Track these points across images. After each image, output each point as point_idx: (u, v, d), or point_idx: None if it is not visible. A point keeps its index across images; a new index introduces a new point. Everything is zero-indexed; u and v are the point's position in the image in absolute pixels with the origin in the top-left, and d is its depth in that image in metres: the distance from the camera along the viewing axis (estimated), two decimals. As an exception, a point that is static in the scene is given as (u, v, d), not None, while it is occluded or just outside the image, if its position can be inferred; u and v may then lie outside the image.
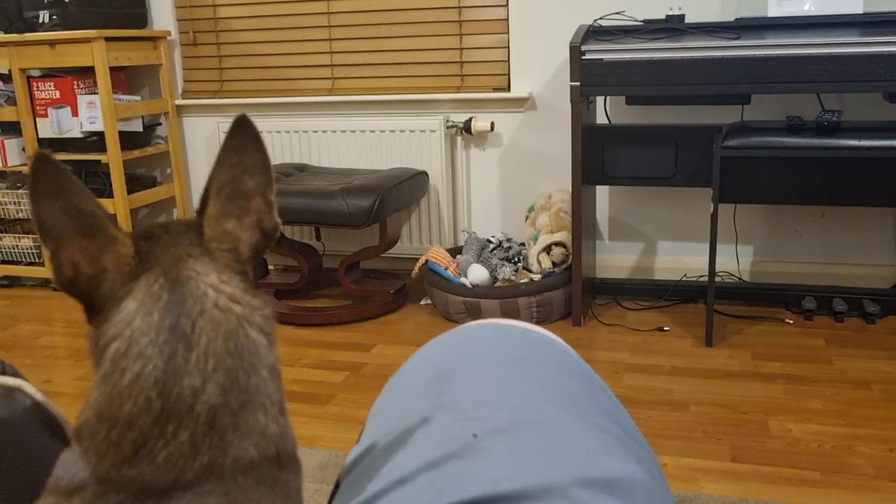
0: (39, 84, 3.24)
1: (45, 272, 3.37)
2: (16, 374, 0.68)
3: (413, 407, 0.62)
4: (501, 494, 0.50)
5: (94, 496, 0.46)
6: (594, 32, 2.64)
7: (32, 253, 3.41)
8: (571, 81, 2.49)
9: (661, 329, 2.65)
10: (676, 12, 2.66)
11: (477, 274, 2.74)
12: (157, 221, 0.57)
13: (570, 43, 2.49)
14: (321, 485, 1.78)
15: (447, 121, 3.08)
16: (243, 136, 0.54)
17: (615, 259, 3.09)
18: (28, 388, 0.67)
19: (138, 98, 3.41)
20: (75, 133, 3.24)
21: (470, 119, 3.08)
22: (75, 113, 3.21)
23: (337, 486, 0.63)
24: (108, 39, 3.09)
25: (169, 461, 0.47)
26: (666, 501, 0.57)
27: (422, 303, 2.99)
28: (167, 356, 0.48)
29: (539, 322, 2.69)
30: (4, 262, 3.47)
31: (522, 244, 3.03)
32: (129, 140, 3.29)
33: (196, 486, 0.47)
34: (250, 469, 0.48)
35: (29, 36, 3.13)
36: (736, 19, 2.60)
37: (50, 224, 0.51)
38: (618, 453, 0.56)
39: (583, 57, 2.47)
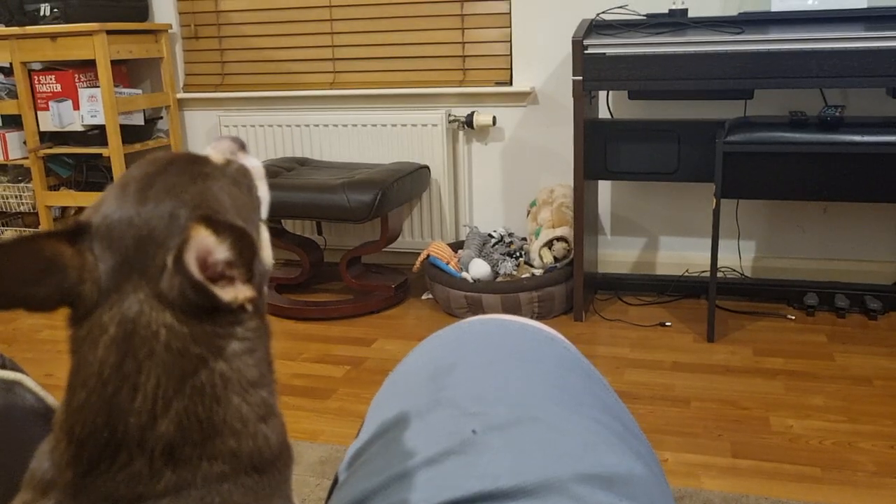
0: (41, 77, 3.23)
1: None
2: (15, 368, 0.68)
3: (413, 402, 0.62)
4: (500, 490, 0.50)
5: (66, 497, 0.46)
6: (597, 26, 2.63)
7: (34, 246, 3.40)
8: (574, 76, 2.49)
9: (662, 324, 2.64)
10: (679, 6, 2.65)
11: (478, 269, 2.74)
12: (133, 194, 0.50)
13: (573, 37, 2.48)
14: (321, 479, 1.78)
15: (449, 115, 3.07)
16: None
17: (617, 254, 3.09)
18: (28, 381, 0.67)
19: (139, 91, 3.41)
20: (76, 126, 3.24)
21: (472, 113, 3.07)
22: (76, 106, 3.21)
23: (336, 480, 0.63)
24: (109, 32, 3.09)
25: (130, 481, 0.46)
26: (665, 497, 0.57)
27: (423, 297, 2.99)
28: (110, 393, 0.46)
29: (540, 317, 2.68)
30: (6, 255, 3.46)
31: (524, 239, 3.03)
32: (130, 133, 3.28)
33: (169, 494, 0.46)
34: (224, 479, 0.47)
35: (30, 29, 3.12)
36: (739, 14, 2.58)
37: (12, 305, 0.47)
38: (617, 449, 0.56)
39: (585, 51, 2.46)
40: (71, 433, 0.47)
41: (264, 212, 0.58)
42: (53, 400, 0.68)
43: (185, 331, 0.47)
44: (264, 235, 0.56)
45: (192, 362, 0.47)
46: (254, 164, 0.58)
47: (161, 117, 3.50)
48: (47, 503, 0.46)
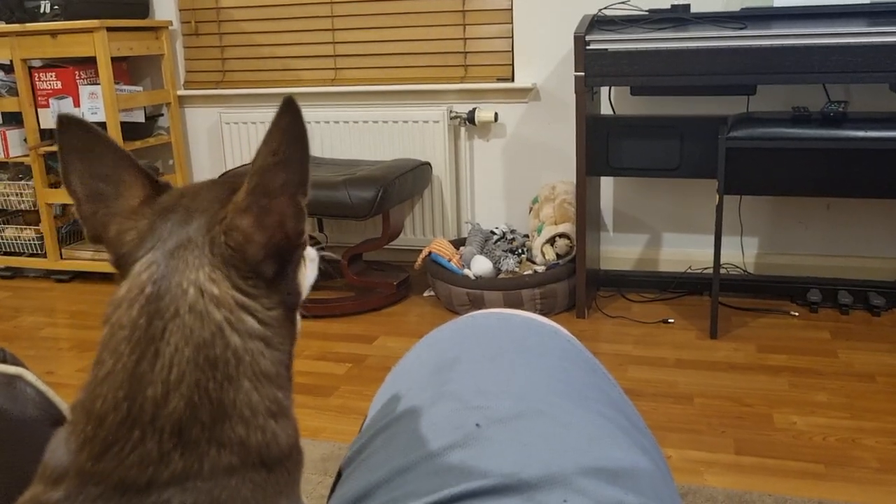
0: (41, 74, 3.23)
1: (47, 263, 3.36)
2: (16, 363, 0.68)
3: (416, 396, 0.62)
4: (504, 484, 0.50)
5: (76, 486, 0.45)
6: (599, 22, 2.62)
7: (35, 244, 3.41)
8: (576, 72, 2.48)
9: (665, 321, 2.64)
10: (682, 2, 2.64)
11: (480, 265, 2.74)
12: (202, 184, 0.54)
13: (575, 33, 2.47)
14: (324, 476, 1.78)
15: (451, 111, 3.07)
16: (288, 122, 0.47)
17: (619, 251, 3.08)
18: (29, 376, 0.67)
19: (140, 89, 3.41)
20: (77, 124, 3.23)
21: (473, 109, 3.06)
22: (77, 103, 3.21)
23: (339, 475, 0.63)
24: (109, 29, 3.09)
25: (140, 464, 0.45)
26: (670, 491, 0.57)
27: (425, 294, 2.99)
28: (136, 358, 0.46)
29: (542, 314, 2.67)
30: (7, 253, 3.47)
31: (526, 236, 3.03)
32: (131, 131, 3.28)
33: (175, 484, 0.45)
34: (232, 472, 0.46)
35: (30, 26, 3.12)
36: (742, 9, 2.58)
37: (73, 185, 0.52)
38: (622, 443, 0.57)
39: (587, 47, 2.45)
40: (91, 410, 0.46)
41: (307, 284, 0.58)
42: (54, 394, 0.67)
43: (213, 291, 0.48)
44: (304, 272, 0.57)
45: (210, 329, 0.47)
46: (311, 251, 0.58)
47: (162, 114, 3.50)
48: (57, 494, 0.46)
